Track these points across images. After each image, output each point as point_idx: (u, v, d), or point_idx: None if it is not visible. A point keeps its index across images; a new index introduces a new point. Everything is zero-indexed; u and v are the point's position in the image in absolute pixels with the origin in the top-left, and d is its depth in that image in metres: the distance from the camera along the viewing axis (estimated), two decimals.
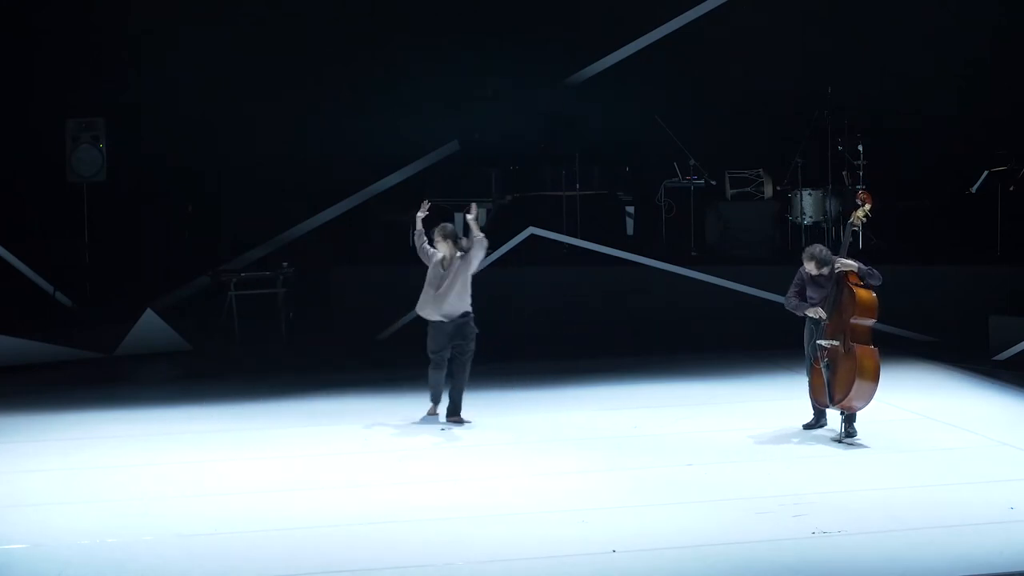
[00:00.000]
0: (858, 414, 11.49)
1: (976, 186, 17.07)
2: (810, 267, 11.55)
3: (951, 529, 9.11)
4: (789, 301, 11.71)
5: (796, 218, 17.48)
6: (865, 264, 11.46)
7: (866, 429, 11.50)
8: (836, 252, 11.75)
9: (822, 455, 11.14)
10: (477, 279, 17.03)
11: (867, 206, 11.88)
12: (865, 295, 11.36)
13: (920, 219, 17.86)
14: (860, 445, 11.31)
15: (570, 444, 11.61)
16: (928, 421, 12.28)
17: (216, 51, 18.45)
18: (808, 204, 17.38)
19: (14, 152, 18.13)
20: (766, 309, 16.23)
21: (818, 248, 11.70)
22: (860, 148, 17.36)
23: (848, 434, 11.42)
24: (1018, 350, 14.69)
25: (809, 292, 11.60)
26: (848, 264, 11.38)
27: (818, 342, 11.44)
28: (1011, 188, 16.84)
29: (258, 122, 18.38)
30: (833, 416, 11.68)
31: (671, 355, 15.59)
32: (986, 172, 17.01)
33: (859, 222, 11.91)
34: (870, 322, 11.41)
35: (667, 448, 11.43)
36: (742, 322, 16.23)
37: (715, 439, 11.69)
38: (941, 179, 17.85)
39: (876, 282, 11.38)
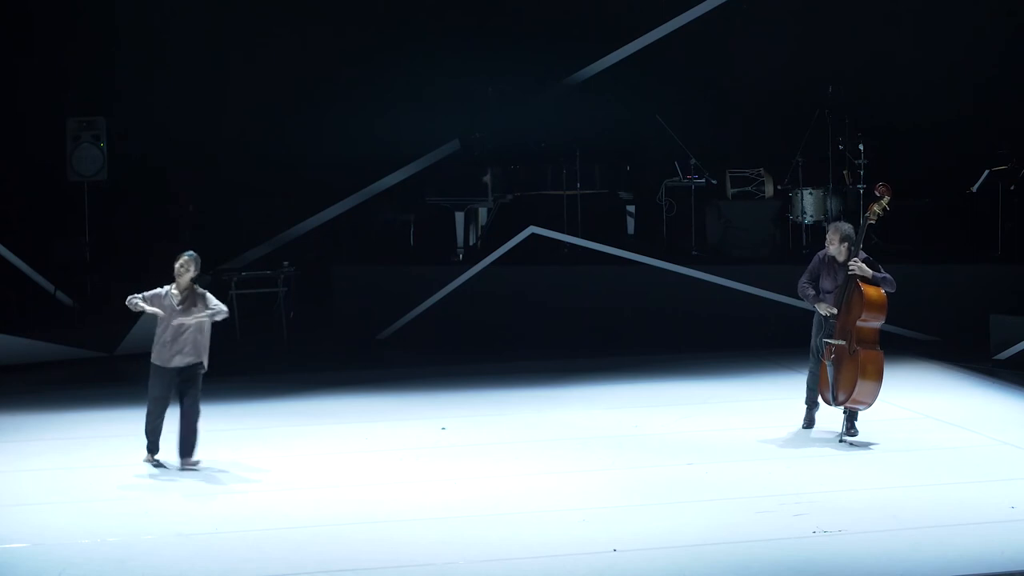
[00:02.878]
0: (860, 413, 11.49)
1: (977, 185, 17.06)
2: (833, 240, 11.41)
3: (951, 529, 9.11)
4: (803, 288, 11.61)
5: (797, 217, 17.47)
6: (879, 269, 11.41)
7: (867, 429, 11.50)
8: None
9: (822, 455, 11.14)
10: (480, 277, 17.13)
11: (885, 199, 11.78)
12: (874, 294, 11.28)
13: (921, 218, 17.84)
14: (860, 445, 11.31)
15: (570, 444, 11.61)
16: (929, 420, 12.28)
17: (217, 51, 18.45)
18: (809, 203, 17.36)
19: (15, 151, 18.12)
20: (767, 308, 16.25)
21: (846, 224, 11.63)
22: (861, 147, 17.35)
23: (849, 433, 11.42)
24: (1019, 349, 14.68)
25: (823, 283, 11.54)
26: (863, 269, 11.32)
27: (825, 340, 11.42)
28: (1012, 187, 16.83)
29: (259, 122, 18.37)
30: (832, 416, 11.67)
31: (671, 355, 15.59)
32: (987, 171, 17.01)
33: (875, 216, 11.82)
34: (878, 323, 11.33)
35: (667, 448, 11.43)
36: (742, 322, 16.22)
37: (715, 439, 11.69)
38: (942, 178, 17.83)
39: (890, 288, 11.34)
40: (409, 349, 16.41)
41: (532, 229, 17.31)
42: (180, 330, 10.75)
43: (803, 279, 11.67)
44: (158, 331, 10.84)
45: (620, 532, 9.05)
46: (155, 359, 10.83)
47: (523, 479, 10.51)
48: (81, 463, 11.17)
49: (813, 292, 11.58)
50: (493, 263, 17.17)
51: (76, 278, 17.80)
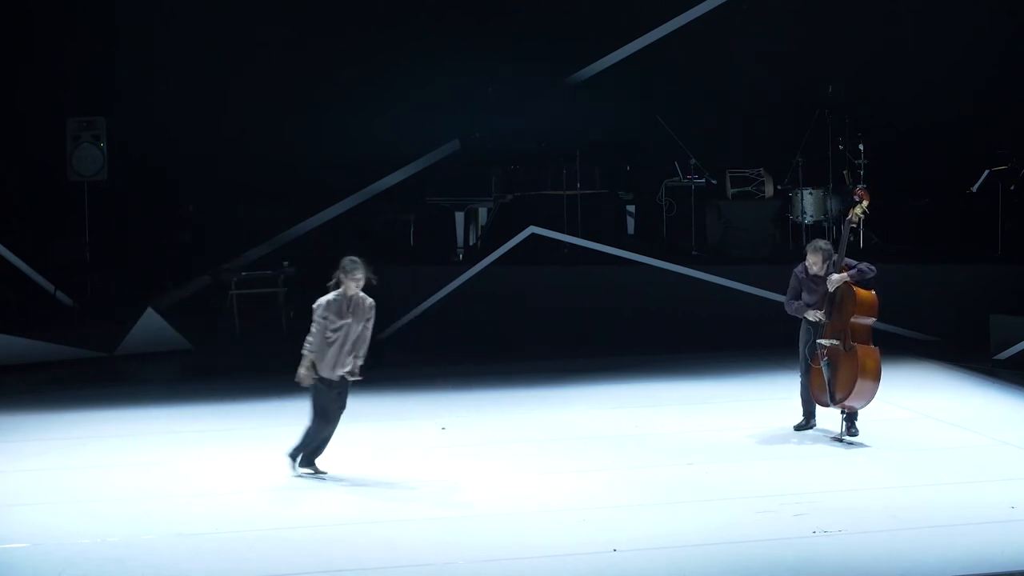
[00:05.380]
0: (859, 413, 11.50)
1: (977, 185, 17.07)
2: (815, 260, 11.49)
3: (951, 529, 9.11)
4: (790, 305, 11.71)
5: (797, 217, 17.48)
6: (853, 261, 11.46)
7: (866, 429, 11.50)
8: (836, 249, 11.73)
9: (822, 455, 11.14)
10: (480, 277, 17.09)
11: (864, 203, 11.88)
12: (865, 294, 11.35)
13: (921, 218, 17.84)
14: (860, 445, 11.31)
15: (570, 444, 11.61)
16: (929, 420, 12.28)
17: (217, 51, 18.45)
18: (809, 203, 17.38)
19: (15, 151, 18.13)
20: (767, 308, 16.23)
21: (823, 241, 11.77)
22: (860, 147, 17.38)
23: (850, 433, 11.43)
24: (1018, 349, 14.68)
25: (804, 295, 11.59)
26: (841, 278, 11.36)
27: (818, 341, 11.44)
28: (1012, 187, 16.83)
29: (259, 122, 18.38)
30: (825, 416, 11.67)
31: (671, 355, 15.58)
32: (987, 171, 17.01)
33: (857, 220, 11.92)
34: (870, 321, 11.41)
35: (667, 448, 11.43)
36: (743, 322, 16.21)
37: (715, 439, 11.69)
38: (942, 178, 17.84)
39: (872, 275, 11.37)
40: (409, 349, 16.40)
41: (532, 229, 17.30)
42: (355, 338, 10.45)
43: (788, 298, 11.72)
44: (327, 343, 10.46)
45: (620, 532, 9.05)
46: (325, 372, 10.46)
47: (523, 479, 10.50)
48: (81, 463, 11.17)
49: (800, 302, 11.60)
50: (493, 263, 17.17)
51: (76, 278, 17.81)
